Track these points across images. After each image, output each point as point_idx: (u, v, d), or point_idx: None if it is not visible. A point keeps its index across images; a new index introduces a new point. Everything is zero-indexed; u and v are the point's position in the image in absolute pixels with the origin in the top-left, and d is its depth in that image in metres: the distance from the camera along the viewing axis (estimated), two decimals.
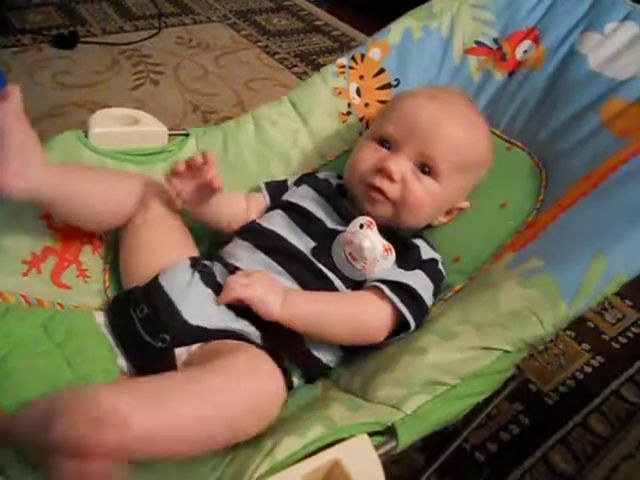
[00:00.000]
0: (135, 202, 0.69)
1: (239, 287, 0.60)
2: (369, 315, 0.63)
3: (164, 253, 0.68)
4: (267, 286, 0.61)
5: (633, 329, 1.12)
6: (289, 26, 2.19)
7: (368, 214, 0.70)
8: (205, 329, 0.60)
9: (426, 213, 0.73)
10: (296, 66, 1.90)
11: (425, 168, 0.70)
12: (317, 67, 1.89)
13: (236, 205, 0.76)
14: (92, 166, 0.73)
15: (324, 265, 0.67)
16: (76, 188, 0.64)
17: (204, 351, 0.59)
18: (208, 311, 0.61)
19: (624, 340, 1.10)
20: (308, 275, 0.65)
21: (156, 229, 0.69)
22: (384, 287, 0.63)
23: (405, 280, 0.64)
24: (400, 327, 0.64)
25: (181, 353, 0.59)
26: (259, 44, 2.01)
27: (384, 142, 0.73)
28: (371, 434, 0.48)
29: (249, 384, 0.49)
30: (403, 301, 0.62)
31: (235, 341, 0.60)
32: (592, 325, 1.12)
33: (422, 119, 0.70)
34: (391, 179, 0.69)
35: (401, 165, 0.69)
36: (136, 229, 0.69)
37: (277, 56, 1.94)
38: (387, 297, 0.63)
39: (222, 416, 0.46)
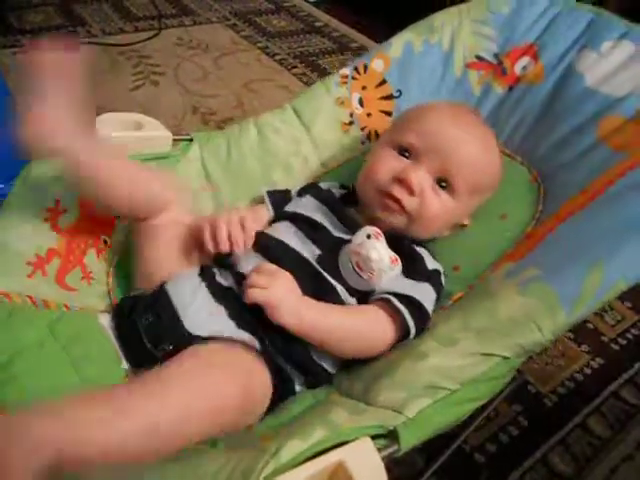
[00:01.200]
0: (158, 200, 0.69)
1: (257, 290, 0.60)
2: (378, 332, 0.64)
3: (177, 258, 0.68)
4: (285, 291, 0.61)
5: (632, 331, 1.13)
6: (289, 27, 2.19)
7: (379, 222, 0.70)
8: (206, 339, 0.60)
9: (437, 227, 0.74)
10: (296, 67, 1.90)
11: (442, 183, 0.70)
12: (317, 68, 1.90)
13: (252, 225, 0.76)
14: (123, 157, 0.72)
15: (330, 274, 0.67)
16: (106, 174, 0.64)
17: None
18: (210, 321, 0.61)
19: (623, 342, 1.10)
20: (313, 284, 0.65)
21: (174, 233, 0.69)
22: (395, 301, 0.64)
23: (414, 295, 0.64)
24: (403, 336, 0.64)
25: None
26: (259, 45, 2.01)
27: (403, 151, 0.72)
28: (373, 437, 0.48)
29: (190, 383, 0.51)
30: (412, 316, 0.63)
31: (215, 345, 0.59)
32: (591, 326, 1.12)
33: (447, 135, 0.70)
34: (411, 191, 0.69)
35: (420, 177, 0.69)
36: (154, 230, 0.68)
37: (277, 57, 1.95)
38: (396, 309, 0.63)
39: (161, 422, 0.47)
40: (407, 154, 0.72)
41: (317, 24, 2.25)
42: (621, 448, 0.91)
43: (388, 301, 0.64)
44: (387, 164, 0.72)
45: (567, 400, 0.98)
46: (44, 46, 0.58)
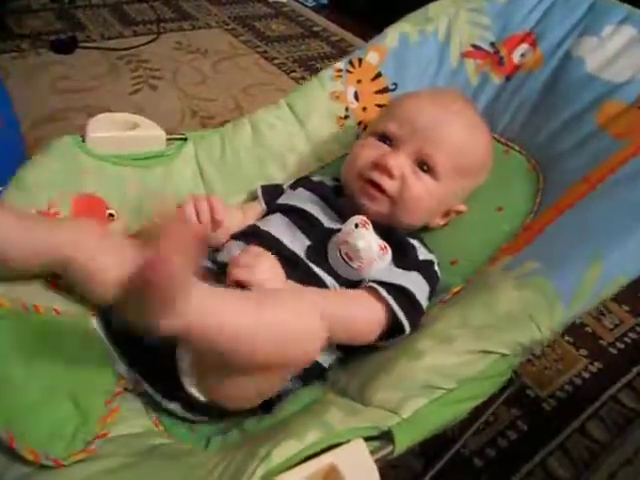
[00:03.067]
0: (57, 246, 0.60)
1: (241, 269, 0.59)
2: (362, 315, 0.63)
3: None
4: (269, 271, 0.60)
5: (631, 335, 1.12)
6: (287, 32, 2.20)
7: (365, 211, 0.70)
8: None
9: (423, 211, 0.73)
10: (294, 71, 1.90)
11: (424, 166, 0.70)
12: (315, 72, 1.88)
13: (234, 219, 0.76)
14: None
15: (318, 266, 0.67)
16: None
17: None
18: None
19: (622, 346, 1.10)
20: (299, 275, 0.65)
21: (96, 255, 0.60)
22: (380, 288, 0.63)
23: (401, 282, 0.64)
24: (395, 329, 0.63)
25: (183, 355, 0.58)
26: (258, 50, 2.01)
27: (385, 139, 0.73)
28: (368, 438, 0.48)
29: (297, 312, 0.53)
30: (399, 303, 0.62)
31: None
32: (590, 330, 1.12)
33: (424, 118, 0.71)
34: (390, 175, 0.69)
35: (400, 161, 0.70)
36: (74, 266, 0.60)
37: (275, 61, 1.95)
38: (383, 298, 0.62)
39: (277, 329, 0.49)
40: (388, 142, 0.72)
41: (315, 28, 2.26)
42: (620, 453, 0.90)
43: (374, 290, 0.63)
44: (367, 151, 0.73)
45: (566, 404, 0.97)
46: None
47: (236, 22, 2.21)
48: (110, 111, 0.81)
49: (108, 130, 0.76)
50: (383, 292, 0.63)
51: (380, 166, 0.70)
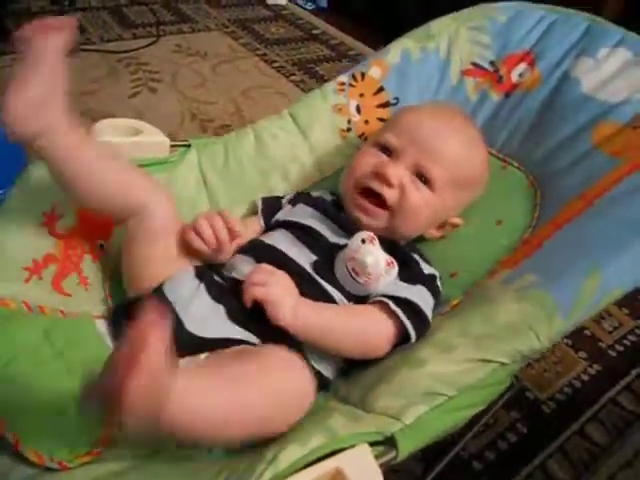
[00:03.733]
0: (144, 201, 0.67)
1: (255, 287, 0.60)
2: (375, 330, 0.63)
3: (169, 261, 0.67)
4: (284, 289, 0.61)
5: (630, 337, 1.12)
6: (287, 35, 2.20)
7: (361, 225, 0.71)
8: (208, 339, 0.60)
9: (421, 222, 0.74)
10: (294, 74, 1.91)
11: (422, 178, 0.71)
12: (315, 75, 1.91)
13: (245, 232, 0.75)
14: (112, 152, 0.69)
15: (325, 280, 0.67)
16: (87, 162, 0.62)
17: (221, 356, 0.59)
18: (211, 322, 0.61)
19: (621, 348, 1.10)
20: (309, 290, 0.65)
21: (161, 236, 0.68)
22: (390, 302, 0.63)
23: (410, 296, 0.64)
24: (402, 340, 0.64)
25: (186, 364, 0.59)
26: (257, 52, 2.02)
27: (384, 149, 0.74)
28: (371, 444, 0.48)
29: (283, 379, 0.54)
30: (408, 317, 0.63)
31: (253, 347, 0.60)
32: (589, 333, 1.12)
33: (424, 130, 0.72)
34: (389, 183, 0.70)
35: (400, 171, 0.70)
36: (142, 234, 0.67)
37: (275, 64, 1.95)
38: (393, 312, 0.63)
39: (259, 405, 0.50)
40: (388, 152, 0.73)
41: (315, 31, 2.26)
42: (619, 455, 0.90)
43: (384, 304, 0.64)
44: (367, 160, 0.73)
45: (565, 407, 0.98)
46: (32, 28, 0.58)
47: (235, 25, 2.21)
48: (109, 114, 0.82)
49: (111, 136, 0.76)
50: (393, 306, 0.63)
51: (380, 175, 0.70)
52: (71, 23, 0.58)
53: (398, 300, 0.64)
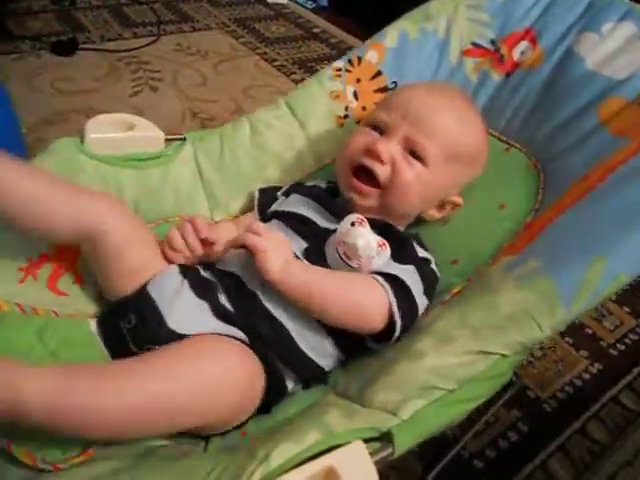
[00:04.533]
0: (94, 224, 0.62)
1: (249, 234, 0.60)
2: (365, 297, 0.61)
3: (148, 260, 0.66)
4: (278, 244, 0.61)
5: (631, 336, 1.12)
6: (287, 33, 2.20)
7: (355, 206, 0.70)
8: (189, 336, 0.59)
9: (415, 198, 0.72)
10: (294, 73, 1.90)
11: (414, 153, 0.70)
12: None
13: (229, 233, 0.74)
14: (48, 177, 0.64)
15: (317, 265, 0.66)
16: (29, 195, 0.59)
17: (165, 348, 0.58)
18: (195, 319, 0.61)
19: (622, 347, 1.09)
20: None
21: (125, 251, 0.64)
22: (377, 276, 0.63)
23: (398, 273, 0.63)
24: (388, 327, 0.61)
25: None
26: (258, 51, 2.01)
27: (376, 128, 0.73)
28: (367, 440, 0.48)
29: (192, 366, 0.53)
30: (395, 293, 0.61)
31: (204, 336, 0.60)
32: (590, 332, 1.11)
33: (414, 105, 0.71)
34: (380, 159, 0.69)
35: (391, 147, 0.69)
36: (103, 255, 0.64)
37: (275, 63, 1.95)
38: (381, 285, 0.62)
39: (159, 399, 0.50)
40: (380, 130, 0.72)
41: (315, 30, 2.26)
42: (620, 454, 0.90)
43: (372, 278, 0.63)
44: (359, 138, 0.73)
45: (566, 406, 0.97)
46: None
47: (236, 24, 2.21)
48: (110, 112, 0.81)
49: (106, 131, 0.76)
50: (380, 280, 0.62)
51: (371, 151, 0.70)
52: None
53: (386, 275, 0.63)
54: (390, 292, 0.61)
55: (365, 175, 0.71)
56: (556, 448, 0.90)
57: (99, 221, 0.62)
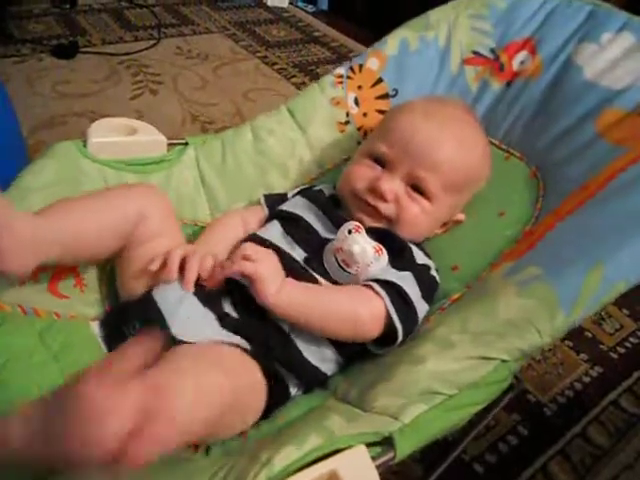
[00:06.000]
0: (132, 221, 0.65)
1: (243, 261, 0.60)
2: (362, 308, 0.62)
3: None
4: (272, 268, 0.61)
5: (631, 339, 1.12)
6: (288, 37, 2.20)
7: (363, 224, 0.70)
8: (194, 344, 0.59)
9: (422, 230, 0.74)
10: (295, 76, 1.91)
11: (418, 188, 0.71)
12: (315, 77, 1.90)
13: (235, 237, 0.75)
14: (77, 198, 0.66)
15: (317, 273, 0.67)
16: (70, 234, 0.60)
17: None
18: (198, 326, 0.61)
19: (622, 350, 1.09)
20: (301, 281, 0.64)
21: (153, 246, 0.66)
22: (374, 284, 0.63)
23: (394, 279, 0.64)
24: (390, 332, 0.62)
25: None
26: (258, 55, 2.02)
27: (378, 160, 0.73)
28: (369, 444, 0.47)
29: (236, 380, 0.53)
30: (392, 300, 0.62)
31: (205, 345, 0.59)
32: (590, 335, 1.12)
33: (415, 140, 0.70)
34: (384, 199, 0.70)
35: (394, 185, 0.70)
36: (135, 245, 0.66)
37: (276, 67, 1.96)
38: (376, 293, 0.62)
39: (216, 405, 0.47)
40: (382, 163, 0.72)
41: (316, 34, 2.27)
42: (621, 458, 0.90)
43: (369, 287, 0.63)
44: (361, 173, 0.73)
45: (566, 409, 0.97)
46: None
47: (236, 27, 2.22)
48: (111, 116, 0.81)
49: (109, 135, 0.76)
50: (377, 287, 0.62)
51: (374, 190, 0.70)
52: None
53: (382, 282, 0.63)
54: (387, 299, 0.62)
55: (370, 207, 0.71)
56: (556, 452, 0.90)
57: (143, 206, 0.66)
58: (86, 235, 0.62)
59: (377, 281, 0.64)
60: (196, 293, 0.63)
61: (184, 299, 0.62)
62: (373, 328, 0.62)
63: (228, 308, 0.63)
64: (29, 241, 0.55)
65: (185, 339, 0.59)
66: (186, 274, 0.63)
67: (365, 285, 0.64)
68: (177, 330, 0.60)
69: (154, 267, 0.64)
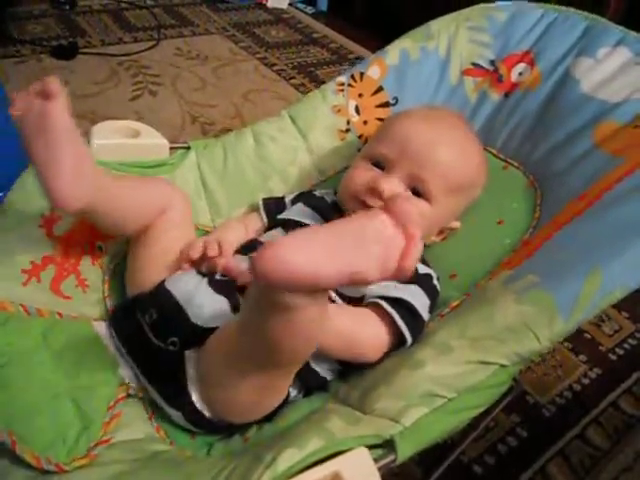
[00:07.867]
0: (160, 205, 0.69)
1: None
2: (367, 333, 0.62)
3: (173, 260, 0.68)
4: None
5: (630, 341, 1.12)
6: (287, 38, 2.21)
7: None
8: (212, 330, 0.60)
9: (421, 234, 0.73)
10: (294, 78, 1.91)
11: (417, 190, 0.71)
12: (315, 79, 1.91)
13: (239, 237, 0.76)
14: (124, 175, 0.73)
15: None
16: (116, 200, 0.64)
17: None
18: (215, 313, 0.61)
19: (621, 352, 1.10)
20: None
21: (170, 237, 0.69)
22: (383, 303, 0.63)
23: (403, 296, 0.64)
24: (397, 342, 0.63)
25: (190, 355, 0.60)
26: (257, 56, 2.02)
27: (377, 163, 0.73)
28: (370, 447, 0.48)
29: None
30: (402, 317, 0.62)
31: None
32: (589, 336, 1.12)
33: (415, 142, 0.71)
34: (383, 199, 0.70)
35: (393, 185, 0.70)
36: (150, 237, 0.69)
37: (275, 68, 1.96)
38: (387, 313, 0.62)
39: None
40: (381, 165, 0.73)
41: (315, 35, 2.27)
42: (620, 459, 0.90)
43: (378, 305, 0.64)
44: (361, 175, 0.73)
45: (565, 410, 0.97)
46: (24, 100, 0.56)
47: (236, 28, 2.22)
48: (110, 117, 0.82)
49: (111, 137, 0.76)
50: (387, 307, 0.63)
51: (374, 190, 0.70)
52: (57, 83, 0.54)
53: (392, 300, 0.63)
54: (397, 316, 0.62)
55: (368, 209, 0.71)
56: (555, 453, 0.90)
57: (171, 196, 0.70)
58: (123, 199, 0.65)
59: (386, 299, 0.64)
60: (209, 283, 0.64)
61: (198, 288, 0.63)
62: (377, 352, 0.62)
63: (241, 299, 0.63)
64: (91, 177, 0.57)
65: (204, 326, 0.60)
66: (209, 252, 0.67)
67: (374, 304, 0.64)
68: (194, 316, 0.61)
69: (195, 253, 0.67)
